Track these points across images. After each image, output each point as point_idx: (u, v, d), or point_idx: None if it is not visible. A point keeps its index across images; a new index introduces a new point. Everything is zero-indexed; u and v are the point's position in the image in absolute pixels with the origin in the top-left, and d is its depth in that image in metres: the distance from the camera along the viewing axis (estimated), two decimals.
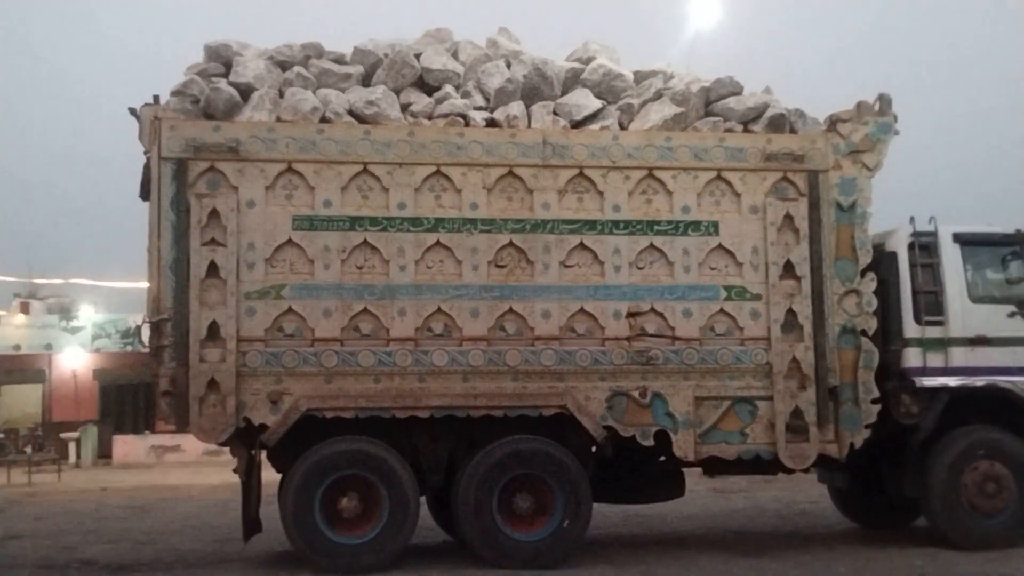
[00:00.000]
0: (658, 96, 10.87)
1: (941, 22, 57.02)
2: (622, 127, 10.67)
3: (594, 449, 10.47)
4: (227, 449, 10.54)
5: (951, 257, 11.14)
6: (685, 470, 11.02)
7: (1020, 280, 11.27)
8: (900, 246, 11.14)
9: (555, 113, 10.63)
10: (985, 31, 53.87)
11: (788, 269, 10.49)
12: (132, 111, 10.01)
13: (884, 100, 10.97)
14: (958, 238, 11.20)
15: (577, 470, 10.14)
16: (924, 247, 11.13)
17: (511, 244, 10.19)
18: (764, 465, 10.71)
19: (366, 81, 10.73)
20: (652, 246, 10.37)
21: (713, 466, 10.89)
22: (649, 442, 10.28)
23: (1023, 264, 11.29)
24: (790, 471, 10.78)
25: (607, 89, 10.90)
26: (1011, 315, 11.10)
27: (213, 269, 9.75)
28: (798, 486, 15.99)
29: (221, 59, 10.58)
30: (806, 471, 11.01)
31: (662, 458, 10.74)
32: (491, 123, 10.45)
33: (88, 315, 31.02)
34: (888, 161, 10.88)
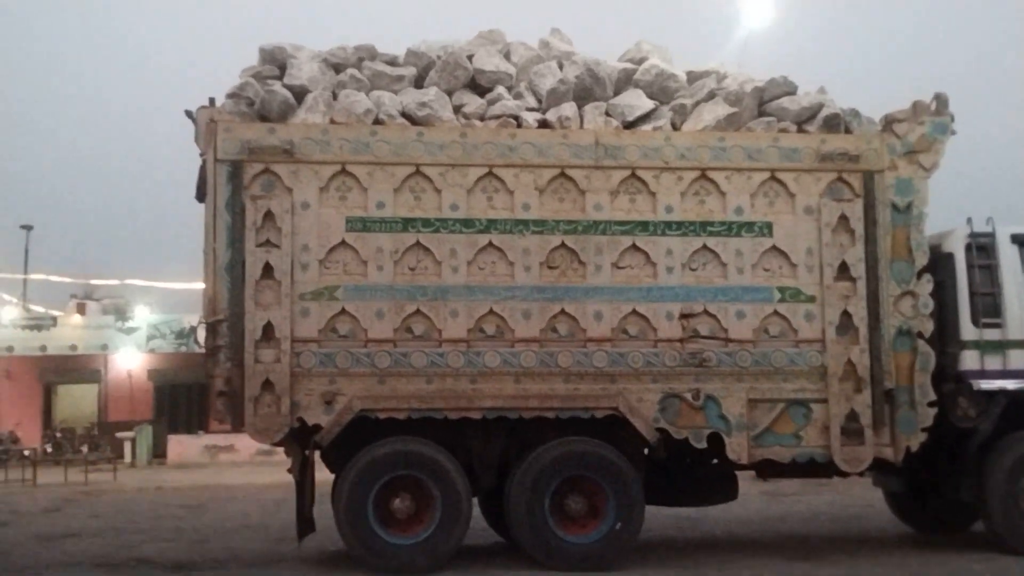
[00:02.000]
0: (711, 96, 10.81)
1: (1000, 20, 56.22)
2: (675, 127, 10.62)
3: (646, 451, 10.44)
4: (280, 449, 10.65)
5: (1009, 258, 10.98)
6: (738, 473, 10.94)
7: None
8: (957, 247, 11.00)
9: (607, 114, 10.61)
10: None
11: (843, 270, 10.39)
12: (188, 113, 10.12)
13: (940, 100, 10.84)
14: (1016, 239, 11.04)
15: (629, 472, 10.11)
16: (982, 248, 10.98)
17: (563, 245, 10.18)
18: (818, 468, 10.60)
19: (419, 83, 10.77)
20: (705, 247, 10.31)
21: (766, 469, 10.80)
22: (702, 444, 10.23)
23: None
24: (845, 475, 10.67)
25: (660, 90, 10.86)
26: None
27: (268, 270, 9.83)
28: (852, 490, 15.83)
29: (276, 61, 10.68)
30: (861, 475, 10.87)
31: (715, 460, 10.68)
32: (543, 124, 10.45)
33: (143, 316, 31.38)
34: (945, 161, 10.75)
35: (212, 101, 10.16)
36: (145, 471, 26.37)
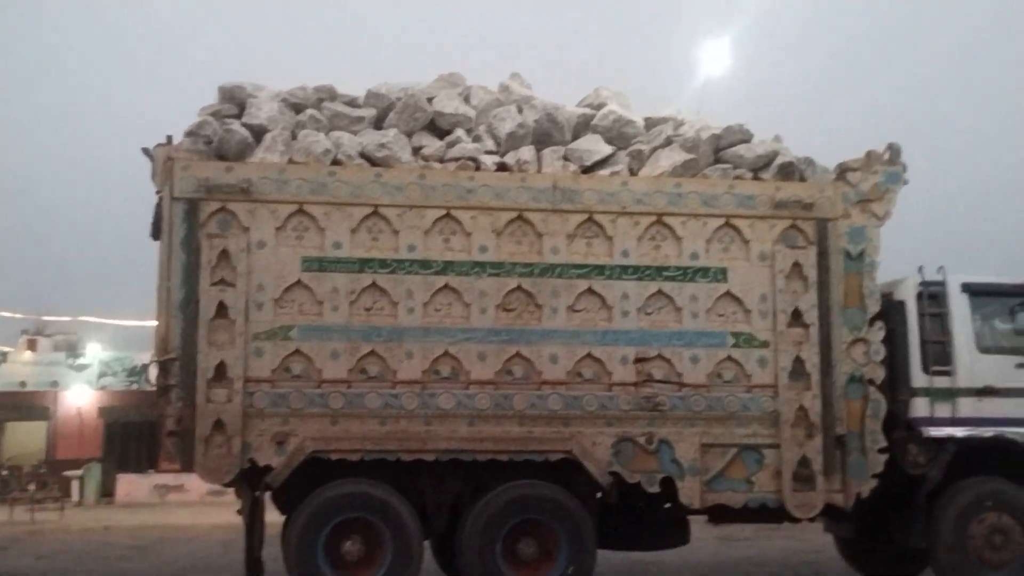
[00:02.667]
0: (668, 142, 10.92)
1: (962, 73, 57.30)
2: (632, 173, 10.71)
3: (599, 495, 10.43)
4: (230, 489, 10.52)
5: (959, 307, 11.13)
6: (690, 517, 10.95)
7: None
8: (908, 295, 11.14)
9: (565, 158, 10.69)
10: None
11: (796, 317, 10.48)
12: (145, 151, 10.08)
13: (894, 149, 11.00)
14: (967, 288, 11.20)
15: (582, 516, 10.09)
16: (933, 296, 11.12)
17: (519, 288, 10.20)
18: (770, 514, 10.64)
19: (378, 124, 10.80)
20: (660, 292, 10.37)
21: (719, 514, 10.80)
22: (655, 489, 10.24)
23: None
24: (796, 520, 10.70)
25: (617, 135, 10.96)
26: (1019, 366, 11.07)
27: (222, 309, 9.76)
28: (804, 535, 15.88)
29: (235, 100, 10.67)
30: (812, 520, 10.91)
31: (667, 505, 10.67)
32: (502, 167, 10.50)
33: (95, 353, 31.07)
34: (898, 210, 10.90)
35: (170, 139, 10.12)
36: (93, 510, 25.96)
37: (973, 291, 11.21)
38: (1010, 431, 10.97)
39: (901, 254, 11.72)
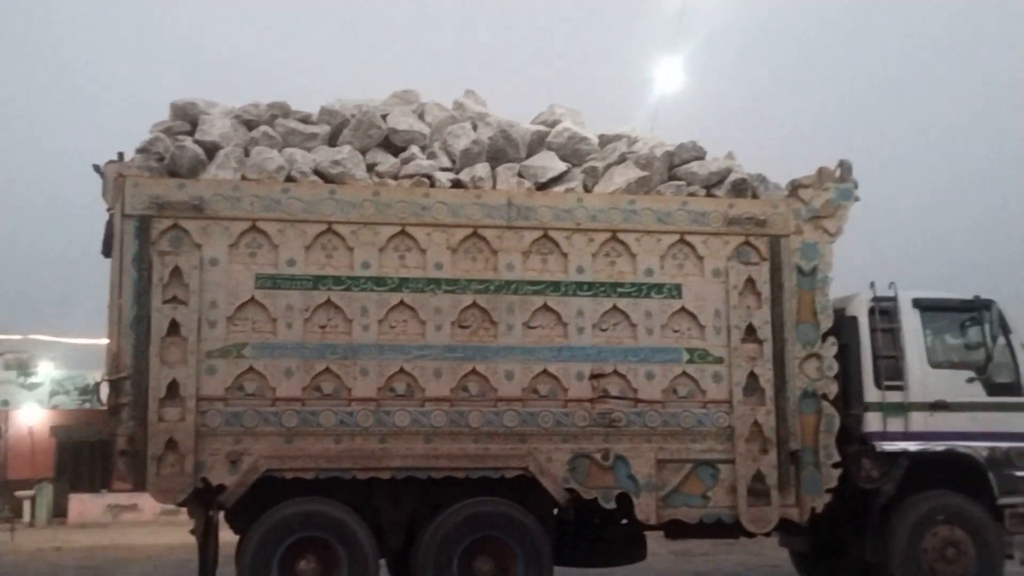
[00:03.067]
0: (622, 159, 10.97)
1: (909, 88, 58.03)
2: (586, 190, 10.74)
3: (556, 512, 10.42)
4: (185, 508, 10.40)
5: (911, 322, 11.26)
6: (647, 533, 10.96)
7: (978, 346, 11.40)
8: (861, 311, 11.25)
9: (520, 175, 10.70)
10: (950, 103, 54.88)
11: (750, 332, 10.55)
12: (96, 168, 9.97)
13: (845, 166, 11.12)
14: (918, 303, 11.33)
15: (538, 533, 10.07)
16: (884, 312, 11.24)
17: (475, 305, 10.19)
18: (726, 529, 10.68)
19: (332, 141, 10.77)
20: (615, 308, 10.39)
21: (675, 529, 10.82)
22: (611, 505, 10.24)
23: (981, 330, 11.40)
24: (752, 535, 10.75)
25: (572, 152, 10.99)
26: (970, 380, 11.21)
27: (174, 327, 9.67)
28: (760, 550, 15.95)
29: (187, 117, 10.60)
30: (768, 535, 10.98)
31: (624, 521, 10.69)
32: (456, 184, 10.49)
33: (47, 371, 30.67)
34: (851, 226, 11.01)
35: (121, 156, 10.03)
36: (45, 531, 25.57)
37: (924, 306, 11.35)
38: (962, 445, 11.10)
39: (853, 264, 11.85)
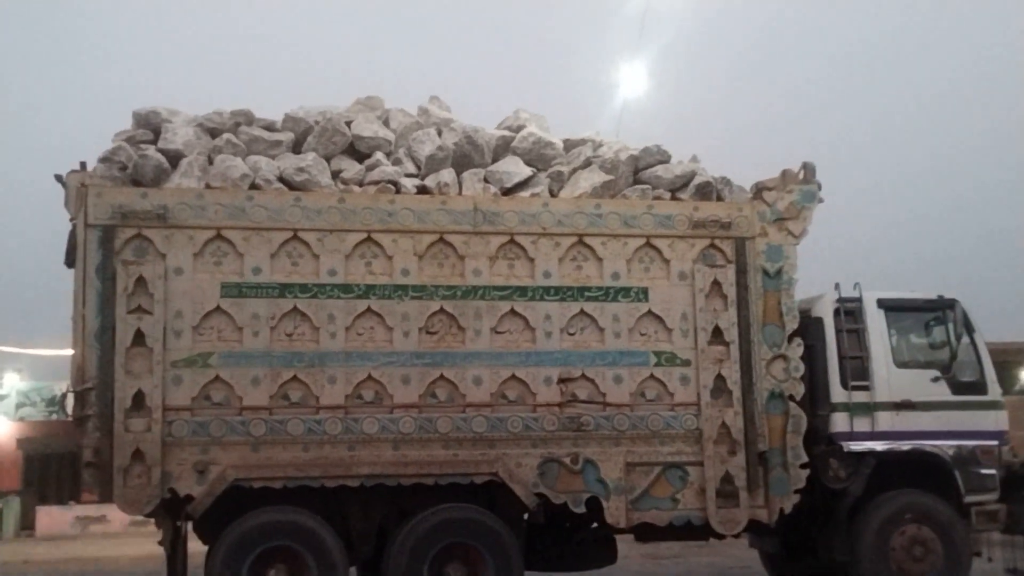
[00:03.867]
0: (587, 164, 10.99)
1: (866, 90, 58.49)
2: (552, 194, 10.75)
3: (526, 516, 10.42)
4: (153, 519, 10.34)
5: (876, 323, 11.33)
6: (617, 536, 10.98)
7: (943, 345, 11.49)
8: (826, 312, 11.33)
9: (486, 180, 10.70)
10: (909, 96, 55.33)
11: (716, 335, 10.59)
12: (58, 177, 9.88)
13: (808, 168, 11.18)
14: (882, 304, 11.41)
15: (509, 538, 10.07)
16: (849, 313, 11.31)
17: (442, 311, 10.18)
18: (696, 531, 10.71)
19: (296, 148, 10.73)
20: (583, 312, 10.41)
21: (645, 532, 10.85)
22: (581, 509, 10.25)
23: (946, 329, 11.49)
24: (721, 536, 10.78)
25: (537, 157, 11.00)
26: (935, 380, 11.30)
27: (139, 337, 9.61)
28: (731, 551, 15.99)
29: (150, 126, 10.54)
30: (737, 536, 11.01)
31: (594, 524, 10.71)
32: (422, 190, 10.48)
33: (12, 383, 30.35)
34: (815, 227, 11.07)
35: (83, 165, 9.95)
36: (12, 544, 25.31)
37: (888, 307, 11.43)
38: (928, 444, 11.19)
39: (817, 268, 11.92)
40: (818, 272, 12.03)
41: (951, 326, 11.41)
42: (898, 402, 11.16)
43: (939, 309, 11.54)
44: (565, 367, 10.32)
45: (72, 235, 9.81)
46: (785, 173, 11.15)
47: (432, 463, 9.98)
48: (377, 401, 9.99)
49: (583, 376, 10.34)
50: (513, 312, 10.30)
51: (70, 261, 9.86)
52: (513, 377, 10.22)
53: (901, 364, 11.37)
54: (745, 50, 57.02)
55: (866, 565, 10.92)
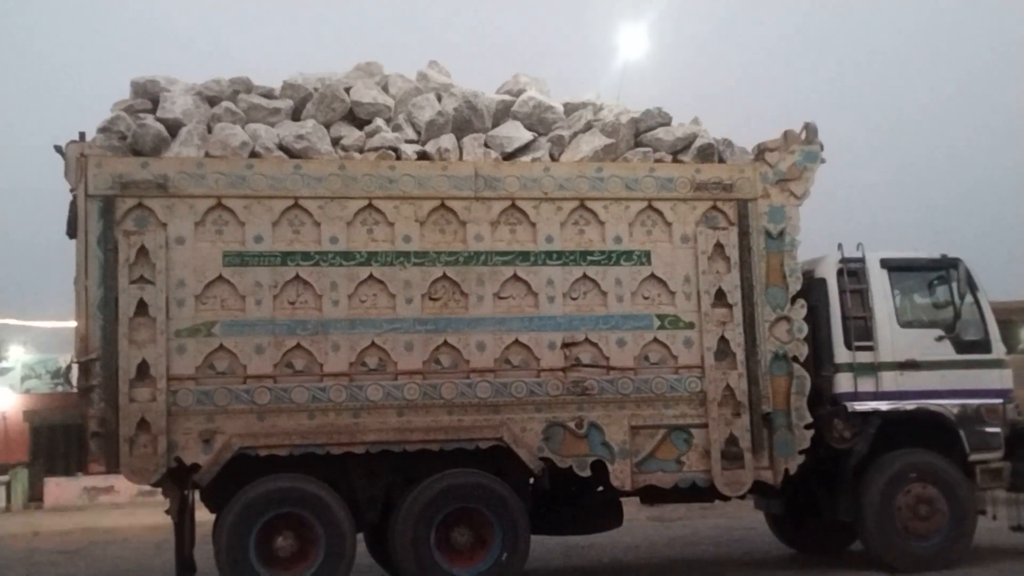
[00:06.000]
0: (588, 127, 10.94)
1: (871, 47, 58.09)
2: (553, 158, 10.72)
3: (532, 481, 10.45)
4: (160, 489, 10.38)
5: (879, 283, 11.32)
6: (623, 499, 11.01)
7: (947, 304, 11.48)
8: (829, 273, 11.30)
9: (486, 145, 10.66)
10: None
11: (720, 297, 10.58)
12: (58, 148, 9.86)
13: (810, 129, 11.13)
14: (885, 264, 11.38)
15: (515, 502, 10.10)
16: (852, 273, 11.29)
17: (445, 277, 10.17)
18: (701, 493, 10.75)
19: (296, 115, 10.69)
20: (585, 276, 10.40)
21: (650, 495, 10.90)
22: (586, 473, 10.27)
23: (949, 288, 11.47)
24: (726, 498, 10.82)
25: (538, 121, 10.95)
26: (939, 339, 11.30)
27: (142, 307, 9.61)
28: (736, 513, 16.06)
29: (148, 95, 10.49)
30: (742, 498, 11.04)
31: (600, 488, 10.73)
32: (422, 156, 10.45)
33: (17, 355, 30.45)
34: (816, 188, 11.03)
35: (82, 135, 9.93)
36: (21, 516, 25.43)
37: (892, 267, 11.41)
38: (932, 403, 11.19)
39: (825, 236, 11.89)
40: (821, 233, 11.98)
41: (955, 285, 11.39)
42: (902, 362, 11.16)
43: (943, 268, 11.52)
44: (568, 332, 10.31)
45: (73, 206, 9.80)
46: (787, 134, 11.09)
47: (437, 429, 9.99)
48: (381, 368, 10.00)
49: (587, 340, 10.35)
50: (516, 277, 10.29)
51: (71, 232, 9.85)
52: (517, 342, 10.22)
53: (905, 324, 11.36)
54: (747, 8, 56.69)
55: (871, 524, 10.95)
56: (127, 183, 9.69)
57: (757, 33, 57.32)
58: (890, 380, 11.14)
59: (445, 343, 10.11)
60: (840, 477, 11.12)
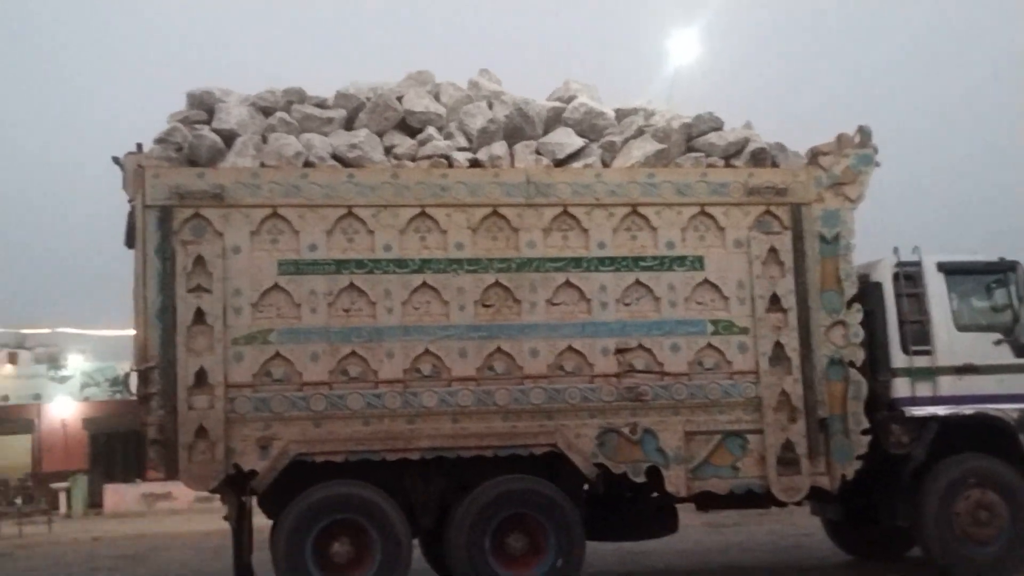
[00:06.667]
0: (640, 133, 10.93)
1: (928, 57, 57.45)
2: (605, 165, 10.72)
3: (586, 487, 10.44)
4: (218, 495, 10.49)
5: (936, 286, 11.19)
6: (678, 505, 10.97)
7: (1005, 307, 11.33)
8: (885, 276, 11.19)
9: (538, 152, 10.69)
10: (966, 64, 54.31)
11: (774, 302, 10.52)
12: (116, 160, 10.03)
13: (864, 132, 11.03)
14: (942, 267, 11.25)
15: (569, 509, 10.10)
16: (909, 277, 11.17)
17: (497, 283, 10.20)
18: (757, 499, 10.68)
19: (349, 124, 10.78)
20: (638, 282, 10.38)
21: (705, 501, 10.84)
22: (640, 478, 10.26)
23: (1007, 292, 11.32)
24: (783, 504, 10.76)
25: (589, 127, 10.96)
26: (997, 343, 11.15)
27: (199, 316, 9.74)
28: (792, 519, 15.95)
29: (204, 106, 10.63)
30: (799, 504, 10.97)
31: (654, 494, 10.70)
32: (474, 163, 10.49)
33: (76, 364, 30.92)
34: (871, 192, 10.94)
35: (140, 147, 10.09)
36: (81, 522, 25.85)
37: (949, 270, 11.27)
38: (991, 407, 11.03)
39: (877, 235, 11.78)
40: (883, 240, 11.86)
41: (1013, 288, 11.26)
42: (960, 366, 11.02)
43: (1001, 271, 11.38)
44: (622, 337, 10.30)
45: (131, 216, 9.96)
46: (841, 137, 11.00)
47: (491, 435, 10.02)
48: (435, 375, 10.05)
49: (640, 346, 10.33)
50: (568, 283, 10.30)
51: (130, 242, 10.01)
52: (570, 348, 10.23)
53: (962, 327, 11.21)
54: (794, 12, 56.29)
55: (930, 530, 10.83)
56: (184, 193, 9.83)
57: (808, 35, 56.92)
58: (948, 384, 11.00)
59: (498, 349, 10.14)
60: (898, 482, 10.99)
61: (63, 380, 30.30)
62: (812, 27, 56.65)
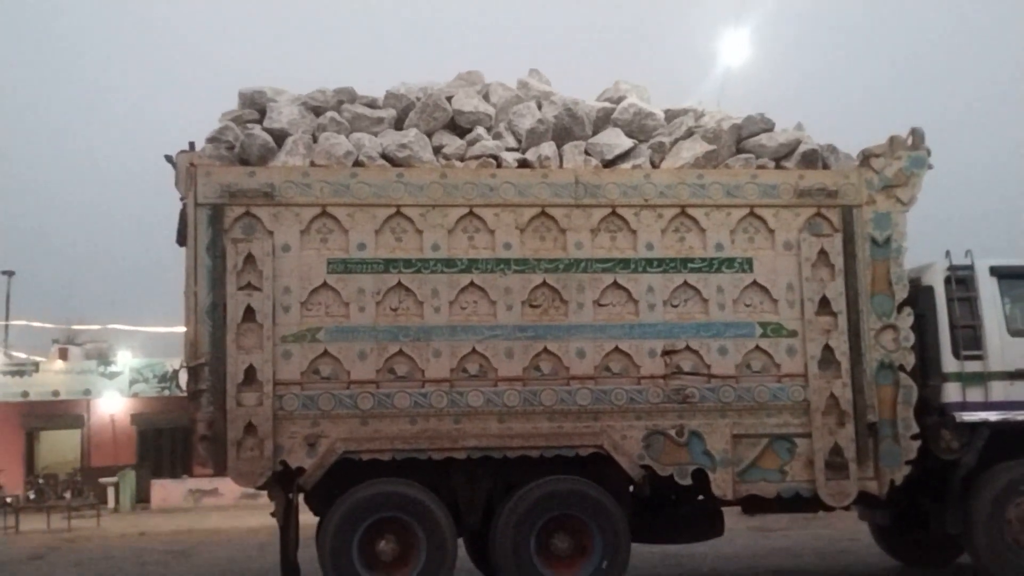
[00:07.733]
0: (689, 134, 10.89)
1: (978, 58, 56.79)
2: (654, 165, 10.68)
3: (632, 489, 10.41)
4: (265, 492, 10.57)
5: (988, 290, 11.04)
6: (724, 509, 10.92)
7: None
8: (936, 280, 11.06)
9: (586, 153, 10.67)
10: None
11: (824, 305, 10.43)
12: (168, 158, 10.13)
13: (917, 134, 10.92)
14: (995, 271, 11.10)
15: (615, 510, 10.08)
16: (961, 281, 11.04)
17: (545, 284, 10.20)
18: (804, 503, 10.60)
19: (398, 124, 10.83)
20: (686, 284, 10.34)
21: (752, 504, 10.77)
22: (687, 481, 10.21)
23: None
24: (830, 509, 10.65)
25: (638, 128, 10.93)
26: None
27: (249, 313, 9.82)
28: (839, 524, 15.82)
29: (255, 105, 10.73)
30: (847, 508, 10.87)
31: (700, 497, 10.65)
32: (523, 164, 10.50)
33: (126, 360, 31.22)
34: (923, 194, 10.82)
35: (192, 145, 10.19)
36: (129, 517, 26.13)
37: (1002, 274, 11.12)
38: None
39: (928, 238, 11.65)
40: (927, 236, 11.73)
41: None
42: (1012, 371, 10.87)
43: None
44: (669, 339, 10.26)
45: (183, 214, 10.05)
46: (893, 139, 10.89)
47: (537, 436, 10.02)
48: (482, 374, 10.06)
49: (687, 348, 10.28)
50: (616, 284, 10.27)
51: (181, 240, 10.10)
52: (617, 349, 10.20)
53: (1015, 332, 11.05)
54: (848, 12, 55.83)
55: (981, 538, 10.69)
56: (235, 192, 9.91)
57: (860, 33, 56.43)
58: (1000, 390, 10.86)
59: (545, 350, 10.13)
60: (948, 488, 10.86)
61: (112, 376, 30.59)
62: (862, 14, 56.10)
